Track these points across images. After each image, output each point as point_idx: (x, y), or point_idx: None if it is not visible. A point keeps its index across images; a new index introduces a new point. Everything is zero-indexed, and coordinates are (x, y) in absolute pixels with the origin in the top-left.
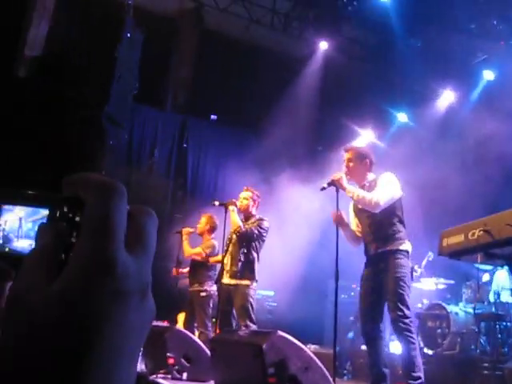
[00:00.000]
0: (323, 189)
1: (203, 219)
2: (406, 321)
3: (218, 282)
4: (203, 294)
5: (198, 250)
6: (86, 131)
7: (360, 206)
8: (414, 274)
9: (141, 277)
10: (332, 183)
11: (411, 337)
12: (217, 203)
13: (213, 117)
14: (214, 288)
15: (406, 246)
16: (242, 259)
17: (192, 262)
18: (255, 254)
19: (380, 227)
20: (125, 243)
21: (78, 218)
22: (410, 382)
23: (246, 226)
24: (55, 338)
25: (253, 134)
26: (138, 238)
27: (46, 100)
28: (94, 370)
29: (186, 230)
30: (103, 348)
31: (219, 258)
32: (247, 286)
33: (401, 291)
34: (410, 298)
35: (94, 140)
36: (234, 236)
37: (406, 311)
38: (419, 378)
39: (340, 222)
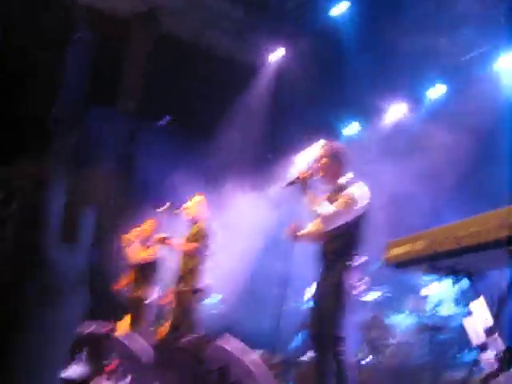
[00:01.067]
0: (289, 185)
1: (148, 225)
2: (337, 341)
3: (171, 289)
4: (146, 299)
5: (149, 252)
6: (32, 134)
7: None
8: (361, 287)
9: (74, 271)
10: (297, 181)
11: (341, 360)
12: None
13: (166, 117)
14: (156, 294)
15: (355, 260)
16: (188, 266)
17: (136, 267)
18: (200, 259)
19: (335, 240)
20: (59, 235)
21: (10, 210)
22: None
23: (189, 245)
24: None
25: (203, 140)
26: (73, 230)
27: None
28: (16, 371)
29: (130, 235)
30: (27, 345)
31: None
32: (192, 291)
33: (335, 309)
34: (344, 316)
35: (39, 143)
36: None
37: (337, 331)
38: None
39: (295, 236)
